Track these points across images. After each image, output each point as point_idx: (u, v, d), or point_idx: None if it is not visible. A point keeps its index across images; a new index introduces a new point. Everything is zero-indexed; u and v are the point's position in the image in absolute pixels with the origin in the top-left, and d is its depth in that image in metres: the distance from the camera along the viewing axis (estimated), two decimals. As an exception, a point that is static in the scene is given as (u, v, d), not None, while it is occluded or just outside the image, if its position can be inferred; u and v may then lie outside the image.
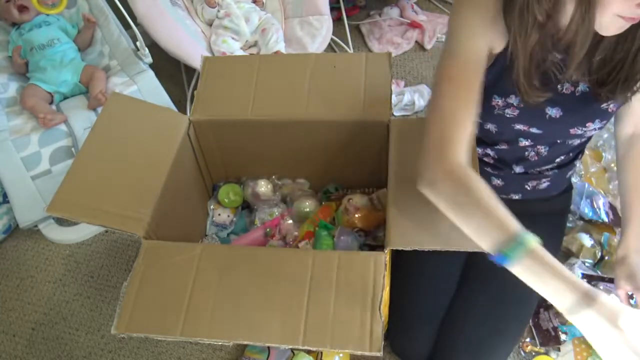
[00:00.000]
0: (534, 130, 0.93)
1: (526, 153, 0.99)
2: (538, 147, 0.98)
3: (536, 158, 1.00)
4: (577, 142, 0.98)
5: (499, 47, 0.79)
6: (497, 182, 1.05)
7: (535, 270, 0.63)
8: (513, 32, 0.73)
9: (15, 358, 1.31)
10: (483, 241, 0.69)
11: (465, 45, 0.76)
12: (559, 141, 0.96)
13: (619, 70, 0.77)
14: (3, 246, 1.52)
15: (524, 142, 0.97)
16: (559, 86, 0.84)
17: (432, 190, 0.74)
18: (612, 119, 0.94)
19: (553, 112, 0.88)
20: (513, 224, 0.67)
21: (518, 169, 1.03)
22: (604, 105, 0.86)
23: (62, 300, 1.39)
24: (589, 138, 1.00)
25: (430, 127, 0.76)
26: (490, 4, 0.74)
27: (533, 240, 0.65)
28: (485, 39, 0.77)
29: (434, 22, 2.01)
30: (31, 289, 1.43)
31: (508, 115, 0.90)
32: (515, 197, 1.08)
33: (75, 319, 1.36)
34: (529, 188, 1.05)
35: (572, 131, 0.91)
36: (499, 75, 0.83)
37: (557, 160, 1.02)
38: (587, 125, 0.89)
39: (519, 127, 0.93)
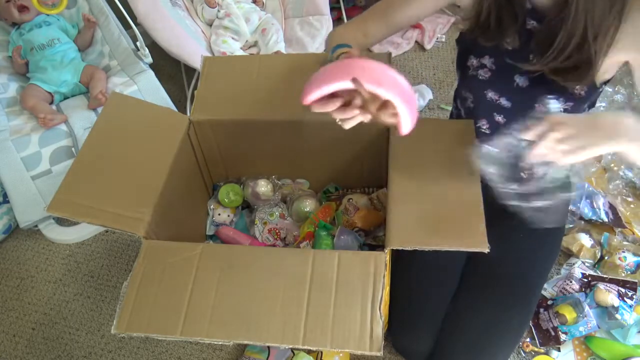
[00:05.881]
0: (503, 101, 0.96)
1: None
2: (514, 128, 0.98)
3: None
4: None
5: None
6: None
7: None
8: None
9: (15, 358, 1.31)
10: None
11: None
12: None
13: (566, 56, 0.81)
14: (3, 246, 1.52)
15: (498, 118, 0.99)
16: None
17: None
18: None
19: (521, 80, 0.92)
20: None
21: None
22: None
23: (62, 300, 1.40)
24: None
25: None
26: None
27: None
28: None
29: (433, 22, 2.01)
30: (31, 289, 1.43)
31: (480, 77, 0.96)
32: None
33: (75, 319, 1.36)
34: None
35: (537, 107, 0.92)
36: (476, 36, 0.91)
37: None
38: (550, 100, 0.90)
39: (490, 95, 0.96)
